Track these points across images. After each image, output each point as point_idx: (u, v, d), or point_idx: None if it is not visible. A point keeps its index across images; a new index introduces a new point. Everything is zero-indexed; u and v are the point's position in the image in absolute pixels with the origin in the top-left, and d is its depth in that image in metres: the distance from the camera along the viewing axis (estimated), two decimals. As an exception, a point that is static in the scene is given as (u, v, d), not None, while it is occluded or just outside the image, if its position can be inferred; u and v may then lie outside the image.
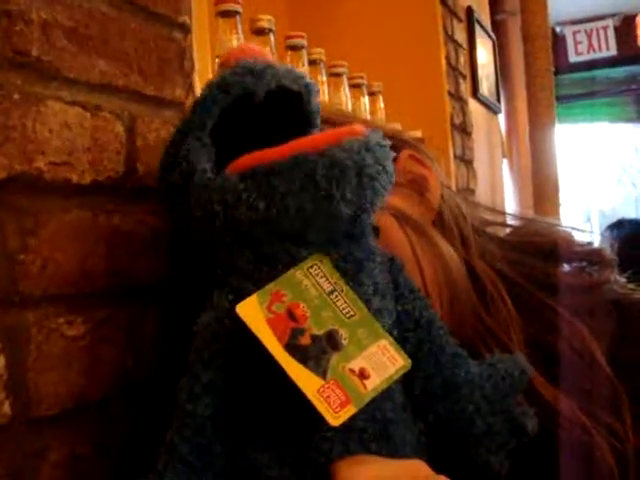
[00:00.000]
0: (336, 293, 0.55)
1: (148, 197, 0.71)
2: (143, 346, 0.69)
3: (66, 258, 0.62)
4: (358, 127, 0.57)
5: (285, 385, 0.52)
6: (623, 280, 0.78)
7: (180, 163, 0.59)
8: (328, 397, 0.51)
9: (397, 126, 1.27)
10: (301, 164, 0.52)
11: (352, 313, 0.55)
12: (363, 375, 0.53)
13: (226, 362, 0.56)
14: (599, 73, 5.89)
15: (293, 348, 0.52)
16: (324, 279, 0.55)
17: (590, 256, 0.78)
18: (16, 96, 0.58)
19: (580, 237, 0.82)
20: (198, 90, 0.78)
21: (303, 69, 1.27)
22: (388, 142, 0.58)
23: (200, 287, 0.60)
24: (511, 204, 3.85)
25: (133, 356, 0.68)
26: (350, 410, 0.51)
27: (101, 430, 0.65)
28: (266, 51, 0.64)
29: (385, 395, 0.54)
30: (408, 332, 0.59)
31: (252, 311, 0.53)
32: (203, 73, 0.81)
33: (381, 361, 0.54)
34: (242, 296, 0.55)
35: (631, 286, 0.78)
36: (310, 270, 0.55)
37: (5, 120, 0.57)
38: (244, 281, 0.56)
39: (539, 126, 3.36)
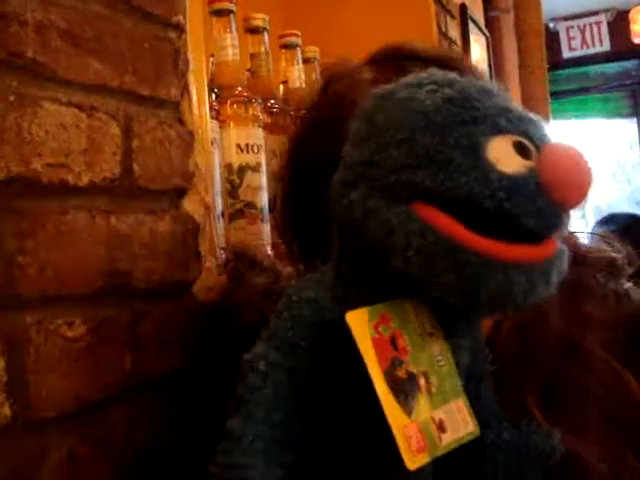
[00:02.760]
0: (434, 337, 0.53)
1: (145, 197, 0.71)
2: (143, 347, 0.69)
3: (64, 259, 0.62)
4: (556, 245, 0.52)
5: (367, 408, 0.50)
6: (628, 284, 0.77)
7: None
8: (410, 437, 0.49)
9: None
10: (517, 272, 0.48)
11: (443, 363, 0.53)
12: (441, 428, 0.51)
13: (308, 364, 0.53)
14: (593, 69, 5.89)
15: (390, 377, 0.50)
16: (427, 319, 0.53)
17: (605, 265, 0.76)
18: (11, 98, 0.58)
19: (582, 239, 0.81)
20: (193, 90, 0.78)
21: (297, 67, 1.27)
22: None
23: None
24: (506, 200, 3.84)
25: (133, 357, 0.68)
26: (425, 458, 0.50)
27: (102, 430, 0.65)
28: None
29: None
30: (467, 382, 0.57)
31: (360, 324, 0.50)
32: (198, 72, 0.81)
33: (456, 420, 0.53)
34: (346, 295, 0.53)
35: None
36: (418, 306, 0.53)
37: (1, 122, 0.57)
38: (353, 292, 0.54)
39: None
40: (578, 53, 5.74)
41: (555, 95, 4.46)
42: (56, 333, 0.60)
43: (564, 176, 0.50)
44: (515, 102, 0.55)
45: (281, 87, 1.27)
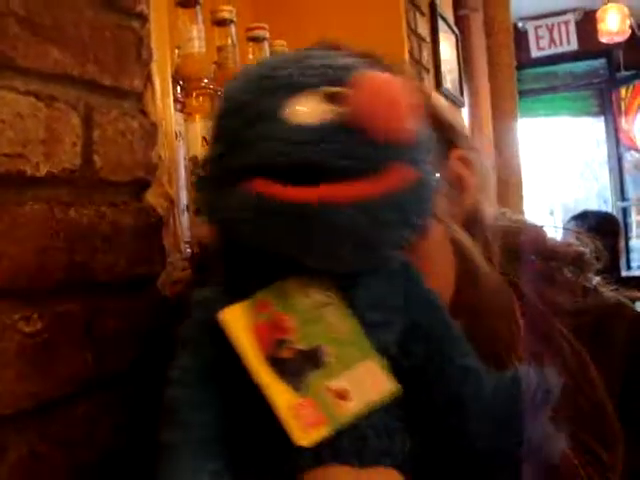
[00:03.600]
0: (328, 307, 0.53)
1: (106, 189, 0.69)
2: (103, 342, 0.68)
3: (21, 252, 0.60)
4: (400, 177, 0.51)
5: (263, 397, 0.50)
6: (597, 279, 0.77)
7: None
8: (301, 416, 0.49)
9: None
10: (326, 215, 0.49)
11: (341, 329, 0.52)
12: (343, 396, 0.50)
13: (213, 361, 0.54)
14: (561, 68, 5.95)
15: (273, 360, 0.50)
16: (316, 292, 0.53)
17: (574, 259, 0.77)
18: (-34, 85, 0.56)
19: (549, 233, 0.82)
20: (156, 80, 0.77)
21: (265, 61, 1.25)
22: (437, 178, 0.56)
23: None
24: (475, 198, 3.87)
25: (93, 352, 0.66)
26: (323, 431, 0.49)
27: (61, 428, 0.63)
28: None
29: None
30: (417, 343, 0.56)
31: (235, 319, 0.51)
32: (162, 63, 0.79)
33: (365, 383, 0.51)
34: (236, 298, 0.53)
35: (604, 285, 0.77)
36: (303, 281, 0.53)
37: (-45, 110, 0.55)
38: (242, 283, 0.54)
39: (502, 120, 3.38)
40: (546, 52, 5.79)
41: (524, 93, 4.50)
42: (13, 328, 0.59)
43: (369, 108, 0.49)
44: (343, 55, 0.56)
45: (248, 81, 1.25)
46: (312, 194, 0.49)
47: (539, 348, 0.69)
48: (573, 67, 5.94)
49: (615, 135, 5.89)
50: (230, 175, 0.52)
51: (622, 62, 5.61)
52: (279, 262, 0.52)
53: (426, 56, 2.56)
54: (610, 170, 5.96)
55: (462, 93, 3.28)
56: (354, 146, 0.49)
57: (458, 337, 0.58)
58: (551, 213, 6.11)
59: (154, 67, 0.77)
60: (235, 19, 1.14)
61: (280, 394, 0.49)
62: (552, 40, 5.78)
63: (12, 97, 0.60)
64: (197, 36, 1.04)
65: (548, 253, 0.76)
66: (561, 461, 0.64)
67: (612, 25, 4.81)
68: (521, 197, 3.49)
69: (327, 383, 0.50)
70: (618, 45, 5.21)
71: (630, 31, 4.89)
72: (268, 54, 1.26)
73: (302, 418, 0.49)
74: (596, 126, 6.06)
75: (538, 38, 5.80)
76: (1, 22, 0.60)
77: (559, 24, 5.75)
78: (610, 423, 0.67)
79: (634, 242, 5.85)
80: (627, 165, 5.87)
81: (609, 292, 0.76)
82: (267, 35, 1.26)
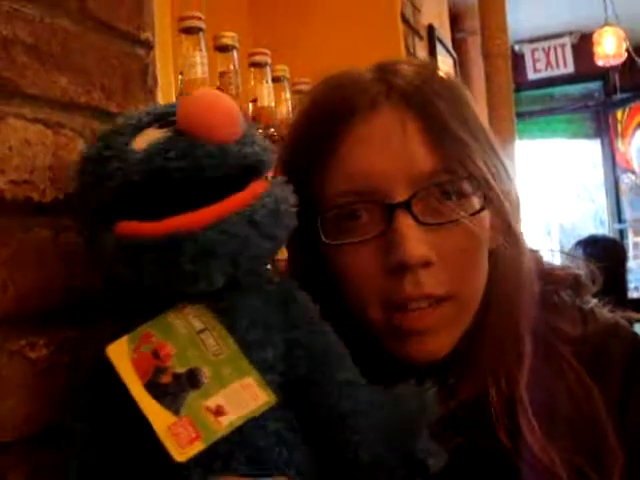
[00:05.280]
0: (207, 332, 0.56)
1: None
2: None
3: (27, 278, 0.60)
4: (250, 193, 0.55)
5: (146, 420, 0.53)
6: (594, 301, 0.78)
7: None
8: (178, 434, 0.52)
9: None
10: (170, 246, 0.52)
11: (220, 351, 0.56)
12: (219, 412, 0.54)
13: (106, 390, 0.57)
14: (557, 90, 5.98)
15: (153, 386, 0.54)
16: (196, 318, 0.57)
17: (570, 282, 0.78)
18: (-25, 113, 0.57)
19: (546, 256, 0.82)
20: (162, 107, 0.78)
21: (267, 86, 1.26)
22: (289, 196, 0.58)
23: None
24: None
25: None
26: (198, 446, 0.52)
27: (62, 457, 0.63)
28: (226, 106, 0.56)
29: (255, 424, 0.55)
30: (299, 359, 0.59)
31: (120, 352, 0.55)
32: (166, 90, 0.80)
33: (242, 398, 0.55)
34: (126, 332, 0.56)
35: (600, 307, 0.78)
36: (183, 311, 0.57)
37: (-36, 138, 0.56)
38: (130, 318, 0.57)
39: (499, 142, 3.40)
40: (543, 75, 5.83)
41: (520, 115, 4.52)
42: (19, 354, 0.59)
43: (190, 115, 0.54)
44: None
45: (250, 106, 1.26)
46: (165, 225, 0.52)
47: (543, 372, 0.70)
48: (569, 89, 5.98)
49: (611, 157, 5.92)
50: (98, 221, 0.56)
51: (618, 85, 5.65)
52: (160, 294, 0.56)
53: (424, 79, 2.58)
54: (607, 192, 5.98)
55: (460, 116, 3.30)
56: (188, 149, 0.53)
57: (339, 354, 0.61)
58: (548, 234, 6.12)
59: (159, 93, 0.78)
60: (237, 45, 1.15)
61: (158, 416, 0.53)
62: (549, 63, 5.82)
63: (20, 124, 0.61)
64: (200, 62, 1.05)
65: (545, 277, 0.77)
66: None
67: (608, 48, 4.85)
68: (519, 218, 3.49)
69: (203, 402, 0.54)
70: (614, 68, 5.25)
71: (626, 54, 4.93)
72: (270, 79, 1.27)
73: (179, 436, 0.52)
74: (592, 148, 6.09)
75: (535, 61, 5.84)
76: (10, 50, 0.61)
77: (555, 47, 5.79)
78: (609, 446, 0.68)
79: (631, 263, 5.86)
80: (623, 187, 5.89)
81: (606, 313, 0.77)
82: (269, 60, 1.27)
